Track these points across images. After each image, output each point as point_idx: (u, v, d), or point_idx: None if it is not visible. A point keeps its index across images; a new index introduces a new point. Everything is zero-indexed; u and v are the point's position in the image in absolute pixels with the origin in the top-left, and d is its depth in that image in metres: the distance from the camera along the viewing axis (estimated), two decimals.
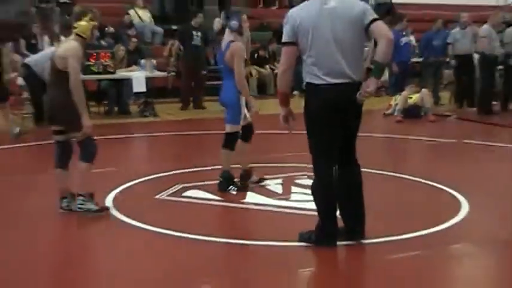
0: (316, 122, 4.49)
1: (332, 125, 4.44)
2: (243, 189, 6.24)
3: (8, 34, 9.73)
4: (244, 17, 6.45)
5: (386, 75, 13.01)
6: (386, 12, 14.92)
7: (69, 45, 5.31)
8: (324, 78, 4.36)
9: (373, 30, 4.36)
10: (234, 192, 6.18)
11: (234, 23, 6.23)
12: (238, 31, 6.21)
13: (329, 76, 4.35)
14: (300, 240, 4.70)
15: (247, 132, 6.28)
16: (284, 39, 4.48)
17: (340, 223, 4.66)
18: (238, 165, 6.37)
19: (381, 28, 4.39)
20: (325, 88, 4.37)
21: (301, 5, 4.56)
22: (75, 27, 5.37)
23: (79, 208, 5.44)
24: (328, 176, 4.56)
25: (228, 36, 6.25)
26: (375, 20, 4.36)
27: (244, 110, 6.17)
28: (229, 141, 6.21)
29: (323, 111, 4.42)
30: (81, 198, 5.44)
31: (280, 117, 4.74)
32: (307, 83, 4.49)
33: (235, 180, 6.30)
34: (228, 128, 6.21)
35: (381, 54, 4.34)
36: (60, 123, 5.39)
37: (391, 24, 12.86)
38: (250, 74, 12.25)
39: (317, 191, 4.64)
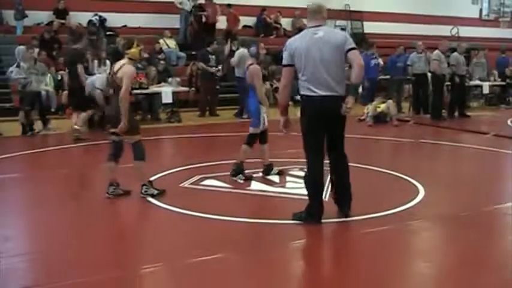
0: (309, 125, 4.56)
1: (320, 128, 4.54)
2: (264, 179, 6.22)
3: (79, 60, 9.88)
4: (262, 45, 6.46)
5: (360, 89, 12.96)
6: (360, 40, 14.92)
7: (125, 68, 5.38)
8: (315, 91, 4.45)
9: (349, 57, 4.47)
10: (241, 181, 6.14)
11: (252, 49, 6.25)
12: (256, 56, 6.22)
13: (319, 89, 4.44)
14: (293, 219, 4.69)
15: (264, 136, 6.27)
16: (284, 62, 4.61)
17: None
18: (260, 159, 6.38)
19: (356, 56, 4.51)
20: (317, 99, 4.45)
21: (297, 36, 4.73)
22: (127, 53, 5.45)
23: (144, 194, 5.46)
24: (316, 168, 4.59)
25: (248, 60, 6.29)
26: (352, 48, 4.47)
27: (264, 118, 6.16)
28: (250, 139, 6.24)
29: (315, 117, 4.52)
30: (144, 187, 5.48)
31: (280, 123, 4.82)
32: (303, 95, 4.57)
33: (245, 172, 6.25)
34: (251, 130, 6.24)
35: (355, 77, 4.50)
36: (117, 127, 5.38)
37: (365, 49, 12.88)
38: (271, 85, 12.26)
39: (307, 179, 4.68)
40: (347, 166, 4.72)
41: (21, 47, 11.36)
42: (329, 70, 4.43)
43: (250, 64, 6.17)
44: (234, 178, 6.19)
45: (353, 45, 4.50)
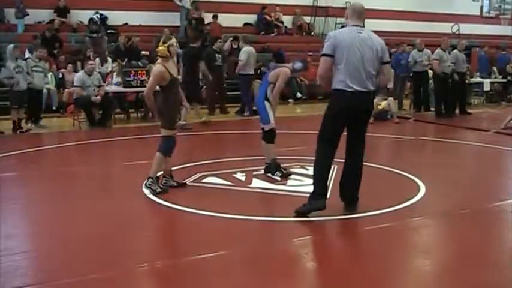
0: (334, 117, 4.68)
1: (345, 122, 4.70)
2: (285, 176, 6.17)
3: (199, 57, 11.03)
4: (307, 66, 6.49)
5: None
6: None
7: (154, 67, 5.51)
8: (351, 86, 4.54)
9: (383, 68, 4.72)
10: (278, 178, 6.10)
11: (298, 65, 6.24)
12: (298, 70, 6.26)
13: (354, 84, 4.55)
14: (296, 213, 4.71)
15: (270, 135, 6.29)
16: (324, 51, 4.64)
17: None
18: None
19: (388, 70, 4.91)
20: (350, 93, 4.55)
21: (341, 30, 4.90)
22: (157, 52, 5.51)
23: (148, 186, 5.52)
24: (324, 157, 4.72)
25: (281, 65, 6.38)
26: (388, 62, 4.79)
27: (271, 115, 6.16)
28: (267, 136, 6.22)
29: (344, 110, 4.63)
30: (150, 180, 5.52)
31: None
32: (336, 88, 4.61)
33: (281, 168, 6.23)
34: (264, 127, 6.21)
35: (382, 82, 4.95)
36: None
37: None
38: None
39: (315, 164, 4.77)
40: (360, 164, 4.89)
41: (10, 45, 11.38)
42: (365, 69, 4.57)
43: (285, 66, 6.25)
44: (271, 175, 6.19)
45: (389, 58, 4.81)
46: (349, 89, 4.54)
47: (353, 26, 4.71)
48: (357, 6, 4.78)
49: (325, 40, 4.70)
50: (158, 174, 5.64)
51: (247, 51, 12.03)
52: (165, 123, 5.56)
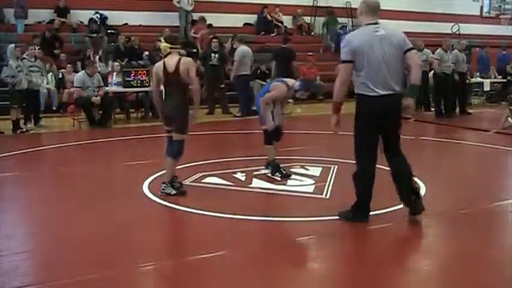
0: (365, 124, 4.46)
1: (376, 127, 4.46)
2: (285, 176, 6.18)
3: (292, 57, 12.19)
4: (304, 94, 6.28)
5: None
6: None
7: (186, 61, 5.41)
8: (375, 90, 4.34)
9: (408, 57, 4.42)
10: (278, 178, 6.10)
11: (297, 84, 6.15)
12: (296, 90, 6.12)
13: (378, 88, 4.33)
14: (339, 217, 4.65)
15: (276, 135, 6.29)
16: (343, 58, 4.41)
17: None
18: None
19: (414, 56, 4.51)
20: (376, 98, 4.35)
21: (356, 32, 4.56)
22: (177, 47, 5.53)
23: (162, 191, 5.46)
24: (365, 169, 4.53)
25: (285, 80, 6.27)
26: (411, 48, 4.46)
27: (270, 118, 6.14)
28: (266, 138, 6.22)
29: (372, 116, 4.42)
30: (164, 184, 5.48)
31: (332, 121, 4.62)
32: (360, 94, 4.43)
33: (281, 169, 6.23)
34: (263, 128, 6.21)
35: (414, 77, 4.50)
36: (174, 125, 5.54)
37: None
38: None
39: (356, 179, 4.60)
40: (406, 165, 4.61)
41: (11, 45, 11.39)
42: (389, 69, 4.35)
43: (282, 81, 6.22)
44: (270, 175, 6.19)
45: (411, 45, 4.50)
46: (373, 94, 4.34)
47: (369, 24, 4.43)
48: (372, 3, 4.49)
49: (342, 45, 4.47)
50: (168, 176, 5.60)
51: (241, 51, 12.03)
52: (185, 126, 5.50)
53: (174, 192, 5.44)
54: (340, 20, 18.59)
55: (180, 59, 5.41)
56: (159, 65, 5.49)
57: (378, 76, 4.33)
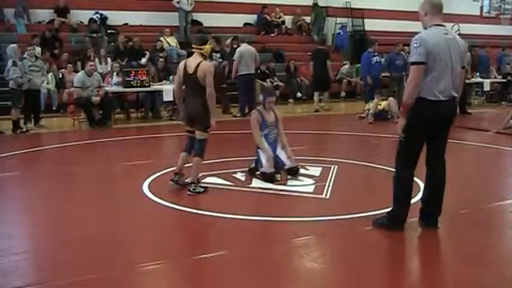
0: (419, 131, 4.31)
1: (428, 134, 4.36)
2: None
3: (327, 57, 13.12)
4: (270, 99, 6.35)
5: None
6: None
7: (204, 66, 5.44)
8: (437, 95, 4.15)
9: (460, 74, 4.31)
10: (278, 178, 6.06)
11: (260, 96, 6.47)
12: (260, 102, 6.35)
13: (441, 94, 4.16)
14: (374, 225, 4.53)
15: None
16: (417, 59, 4.11)
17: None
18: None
19: (463, 76, 4.38)
20: (436, 103, 4.17)
21: (428, 32, 4.22)
22: (201, 49, 5.52)
23: (192, 191, 5.50)
24: (406, 176, 4.46)
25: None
26: (464, 67, 4.37)
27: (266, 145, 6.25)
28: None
29: (430, 122, 4.26)
30: (193, 185, 5.53)
31: (399, 126, 4.34)
32: (422, 97, 4.16)
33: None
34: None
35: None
36: (195, 125, 5.67)
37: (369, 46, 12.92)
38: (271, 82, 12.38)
39: (395, 184, 4.50)
40: (445, 177, 4.56)
41: (13, 45, 11.36)
42: (453, 73, 4.19)
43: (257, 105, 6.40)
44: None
45: (465, 63, 4.42)
46: (435, 98, 4.14)
47: (437, 25, 4.20)
48: (436, 1, 4.23)
49: (415, 45, 4.12)
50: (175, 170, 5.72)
51: (239, 50, 12.01)
52: (205, 127, 5.58)
53: (202, 190, 5.52)
54: (340, 20, 18.58)
55: (200, 62, 5.43)
56: (181, 64, 5.57)
57: (443, 80, 4.14)
